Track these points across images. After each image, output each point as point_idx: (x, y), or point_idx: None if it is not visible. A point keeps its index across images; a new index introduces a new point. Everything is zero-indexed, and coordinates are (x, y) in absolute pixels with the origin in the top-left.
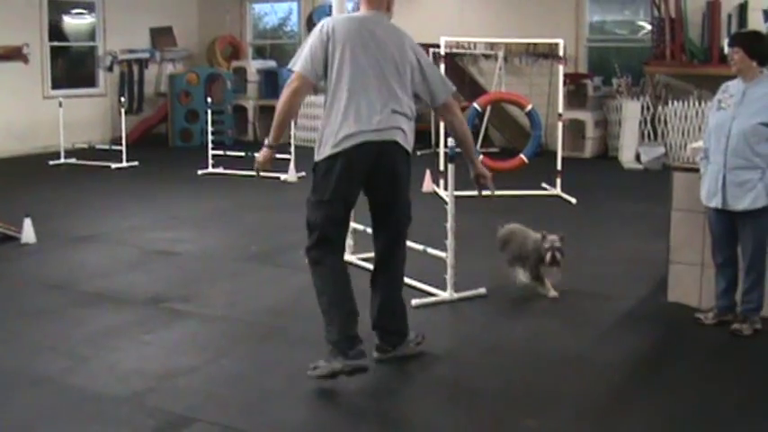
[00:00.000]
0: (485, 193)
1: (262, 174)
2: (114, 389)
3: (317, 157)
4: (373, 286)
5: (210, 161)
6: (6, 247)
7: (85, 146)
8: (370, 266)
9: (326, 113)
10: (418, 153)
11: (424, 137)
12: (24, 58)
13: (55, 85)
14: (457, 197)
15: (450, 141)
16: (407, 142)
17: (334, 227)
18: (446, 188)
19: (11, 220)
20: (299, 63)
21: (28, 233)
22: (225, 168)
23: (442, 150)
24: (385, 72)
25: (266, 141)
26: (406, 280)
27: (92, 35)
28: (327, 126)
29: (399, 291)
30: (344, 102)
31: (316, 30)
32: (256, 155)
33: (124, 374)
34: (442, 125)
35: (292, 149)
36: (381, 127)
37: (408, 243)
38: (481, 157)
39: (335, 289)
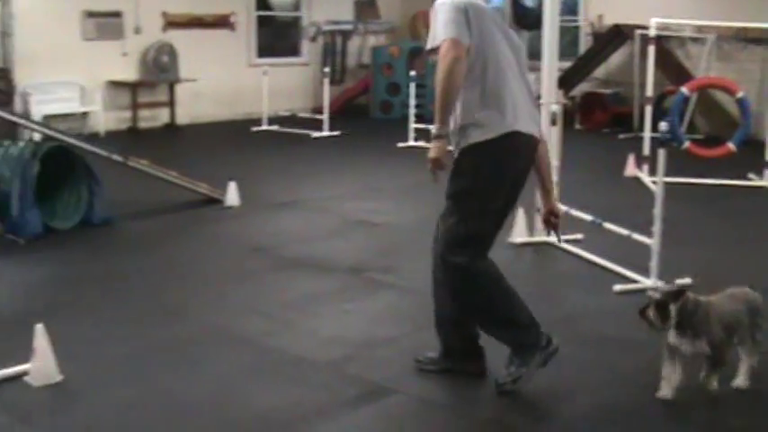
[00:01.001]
0: (551, 238)
1: (438, 172)
2: (314, 354)
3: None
4: None
5: (412, 134)
6: (210, 209)
7: (288, 114)
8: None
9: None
10: (620, 136)
11: (625, 120)
12: (231, 26)
13: (260, 54)
14: (666, 183)
15: (662, 125)
16: None
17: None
18: (651, 173)
19: (215, 183)
20: (448, 30)
21: (232, 196)
22: (426, 142)
23: (646, 135)
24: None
25: (433, 131)
26: (609, 264)
27: (296, 5)
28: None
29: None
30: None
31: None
32: (428, 153)
33: (325, 341)
34: (646, 108)
35: None
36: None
37: (612, 227)
38: (687, 143)
39: (506, 290)
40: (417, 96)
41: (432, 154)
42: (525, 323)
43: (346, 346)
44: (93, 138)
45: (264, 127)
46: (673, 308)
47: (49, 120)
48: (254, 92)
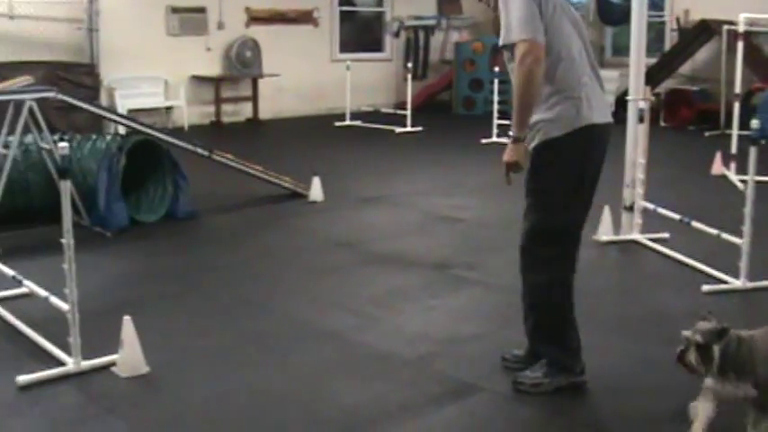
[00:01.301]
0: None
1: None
2: (400, 350)
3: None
4: None
5: (495, 130)
6: (295, 204)
7: (370, 109)
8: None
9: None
10: (706, 134)
11: (711, 117)
12: (315, 22)
13: (342, 49)
14: (756, 182)
15: (753, 123)
16: None
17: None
18: (738, 172)
19: (298, 177)
20: (525, 30)
21: (316, 191)
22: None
23: (734, 132)
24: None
25: (511, 134)
26: (697, 264)
27: (379, 1)
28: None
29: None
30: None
31: None
32: (504, 156)
33: (410, 337)
34: (734, 105)
35: None
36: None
37: (700, 226)
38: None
39: (570, 307)
40: (501, 92)
41: (508, 157)
42: (573, 346)
43: (432, 343)
44: (176, 132)
45: (347, 122)
46: (716, 349)
47: (133, 114)
48: (336, 87)
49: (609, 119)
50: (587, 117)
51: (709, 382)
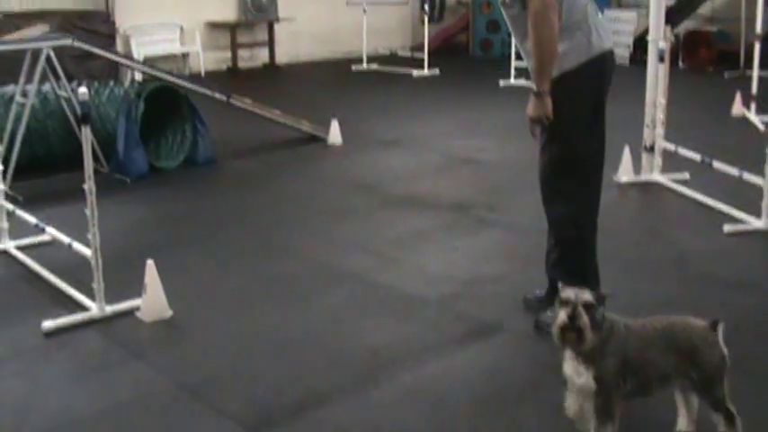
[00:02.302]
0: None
1: (537, 133)
2: (422, 291)
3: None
4: None
5: (513, 72)
6: (313, 148)
7: (387, 52)
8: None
9: None
10: (726, 75)
11: (731, 58)
12: None
13: None
14: None
15: None
16: None
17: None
18: (759, 112)
19: (316, 121)
20: None
21: (334, 134)
22: (527, 80)
23: (754, 73)
24: None
25: (534, 88)
26: (718, 205)
27: None
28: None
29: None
30: None
31: None
32: (529, 110)
33: (432, 277)
34: (755, 46)
35: None
36: None
37: (721, 166)
38: None
39: (594, 238)
40: None
41: (533, 112)
42: (592, 283)
43: (454, 284)
44: (193, 78)
45: (364, 66)
46: (601, 311)
47: (149, 61)
48: (352, 31)
49: (612, 45)
50: (599, 46)
51: (565, 365)
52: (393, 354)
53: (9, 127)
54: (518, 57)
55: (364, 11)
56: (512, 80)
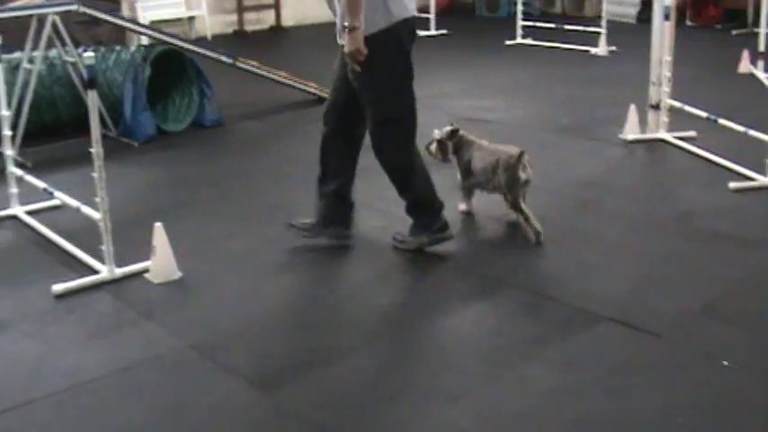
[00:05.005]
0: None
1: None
2: (427, 249)
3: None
4: None
5: (519, 32)
6: (320, 109)
7: None
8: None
9: None
10: (733, 32)
11: (738, 15)
12: None
13: None
14: None
15: None
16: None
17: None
18: (767, 70)
19: (323, 83)
20: None
21: None
22: (534, 40)
23: (762, 30)
24: None
25: (347, 24)
26: (723, 162)
27: None
28: None
29: None
30: None
31: None
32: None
33: None
34: (762, 2)
35: (603, 23)
36: None
37: (727, 123)
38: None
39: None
40: None
41: (351, 46)
42: (437, 207)
43: (461, 242)
44: (200, 42)
45: None
46: (450, 144)
47: (155, 25)
48: None
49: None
50: (398, 12)
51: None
52: (400, 313)
53: (17, 93)
54: (525, 17)
55: None
56: (518, 39)
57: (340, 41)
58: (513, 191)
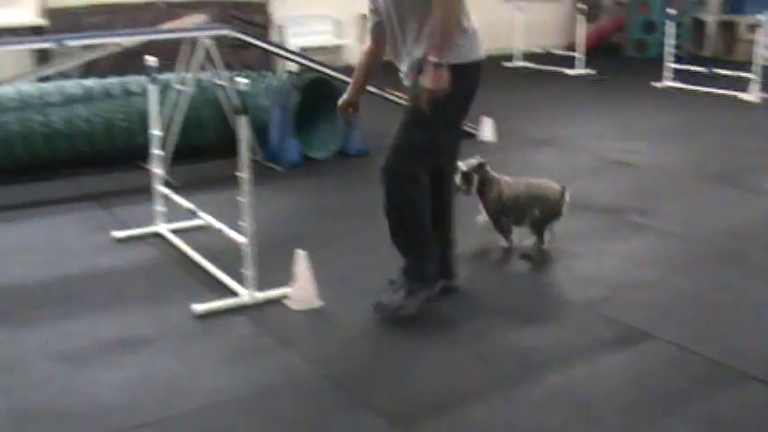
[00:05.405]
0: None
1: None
2: (571, 294)
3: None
4: None
5: (667, 74)
6: (466, 144)
7: (540, 50)
8: None
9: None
10: None
11: None
12: None
13: None
14: None
15: None
16: None
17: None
18: None
19: (468, 118)
20: None
21: (487, 131)
22: (683, 83)
23: None
24: None
25: (434, 60)
26: None
27: None
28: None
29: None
30: None
31: None
32: (430, 83)
33: (582, 280)
34: None
35: (755, 68)
36: None
37: None
38: None
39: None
40: (675, 36)
41: (434, 84)
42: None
43: (603, 287)
44: (347, 70)
45: (517, 63)
46: (475, 176)
47: (303, 52)
48: (506, 27)
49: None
50: (477, 53)
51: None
52: (540, 357)
53: (167, 114)
54: (677, 59)
55: (519, 8)
56: (666, 82)
57: (407, 83)
58: (548, 224)
